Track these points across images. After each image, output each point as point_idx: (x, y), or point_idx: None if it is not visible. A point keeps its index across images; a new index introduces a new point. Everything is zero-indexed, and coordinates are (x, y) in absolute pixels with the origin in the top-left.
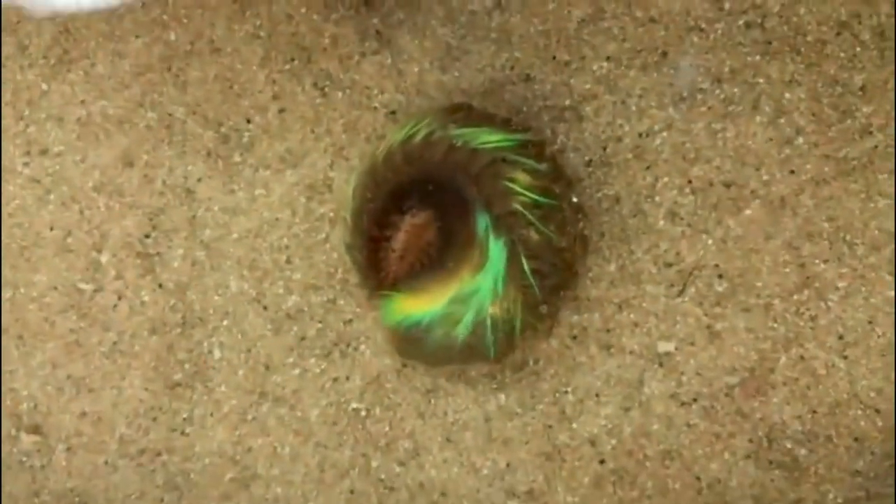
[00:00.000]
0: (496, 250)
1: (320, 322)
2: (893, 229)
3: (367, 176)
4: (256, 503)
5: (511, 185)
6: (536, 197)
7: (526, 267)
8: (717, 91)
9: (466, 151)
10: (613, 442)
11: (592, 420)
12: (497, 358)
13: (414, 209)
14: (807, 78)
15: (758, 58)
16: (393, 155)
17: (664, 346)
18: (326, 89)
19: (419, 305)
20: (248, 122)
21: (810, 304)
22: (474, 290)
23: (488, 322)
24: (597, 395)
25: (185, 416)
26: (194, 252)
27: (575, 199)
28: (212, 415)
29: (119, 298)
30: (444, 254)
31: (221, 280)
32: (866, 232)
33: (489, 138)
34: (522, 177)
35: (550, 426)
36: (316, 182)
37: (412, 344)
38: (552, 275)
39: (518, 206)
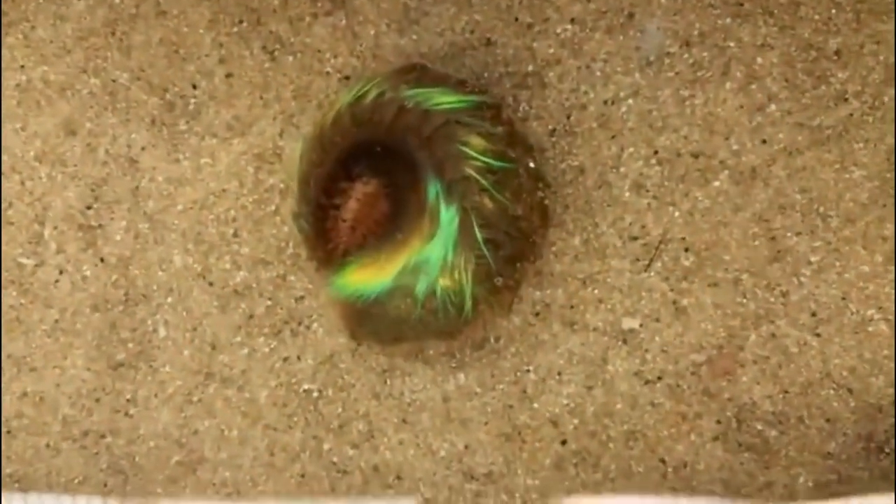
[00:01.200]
0: (447, 218)
1: (269, 299)
2: (868, 201)
3: (315, 140)
4: (204, 487)
5: (464, 148)
6: (491, 161)
7: (479, 236)
8: (686, 55)
9: (418, 113)
10: (576, 422)
11: (554, 399)
12: (451, 333)
13: (365, 176)
14: (780, 42)
15: (728, 20)
16: (341, 117)
17: (629, 323)
18: (276, 53)
19: (369, 278)
20: (195, 87)
21: (782, 279)
22: (424, 261)
23: (439, 294)
24: (559, 374)
25: (129, 396)
26: (137, 224)
27: (532, 165)
28: (156, 396)
29: (61, 273)
30: (393, 222)
31: (165, 254)
32: (840, 204)
33: (443, 99)
34: (476, 140)
35: (511, 406)
36: (265, 151)
37: (363, 320)
38: (507, 245)
39: (471, 172)
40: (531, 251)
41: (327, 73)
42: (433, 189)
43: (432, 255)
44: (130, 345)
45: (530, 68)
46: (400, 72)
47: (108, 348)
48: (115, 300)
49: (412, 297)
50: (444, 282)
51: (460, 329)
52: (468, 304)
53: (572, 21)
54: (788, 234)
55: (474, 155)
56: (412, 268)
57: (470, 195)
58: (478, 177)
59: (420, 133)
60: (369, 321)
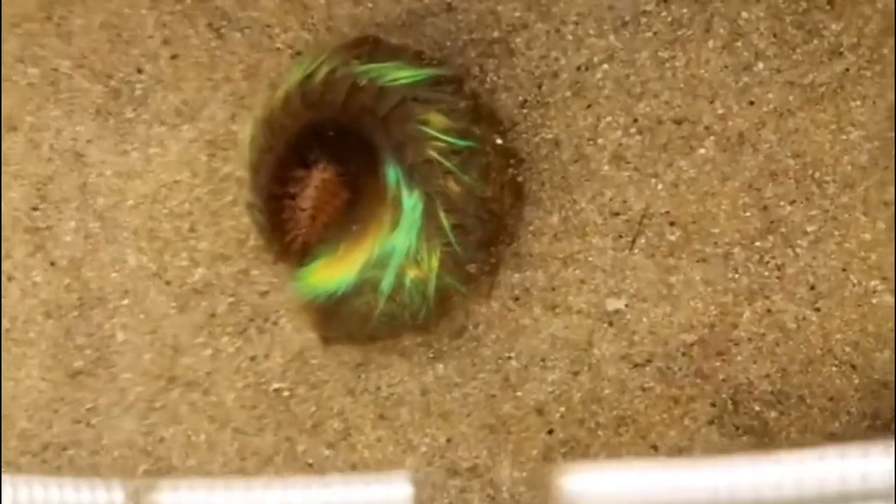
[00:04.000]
0: (410, 205)
1: (232, 296)
2: (867, 164)
3: (264, 123)
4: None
5: (424, 128)
6: (454, 140)
7: (445, 222)
8: (664, 13)
9: (373, 91)
10: (562, 410)
11: (539, 387)
12: (424, 327)
13: (321, 162)
14: None
15: None
16: (290, 98)
17: (614, 304)
18: (222, 30)
19: (333, 274)
20: (140, 72)
21: (776, 251)
22: (389, 252)
23: (408, 286)
24: (542, 360)
25: (89, 406)
26: (87, 224)
27: (500, 141)
28: (118, 403)
29: (9, 280)
30: (353, 212)
31: (118, 254)
32: (837, 168)
33: (398, 74)
34: (437, 118)
35: (493, 396)
36: (217, 137)
37: (332, 321)
38: (478, 229)
39: (433, 154)
40: (505, 233)
41: (277, 48)
42: (393, 174)
43: (397, 244)
44: (87, 351)
45: (496, 34)
46: (351, 45)
47: (65, 356)
48: (68, 305)
49: (379, 291)
50: (412, 273)
51: (434, 321)
52: (435, 294)
53: None
54: (781, 203)
55: (435, 135)
56: (377, 260)
57: (433, 179)
58: (441, 158)
59: (375, 113)
60: (338, 321)
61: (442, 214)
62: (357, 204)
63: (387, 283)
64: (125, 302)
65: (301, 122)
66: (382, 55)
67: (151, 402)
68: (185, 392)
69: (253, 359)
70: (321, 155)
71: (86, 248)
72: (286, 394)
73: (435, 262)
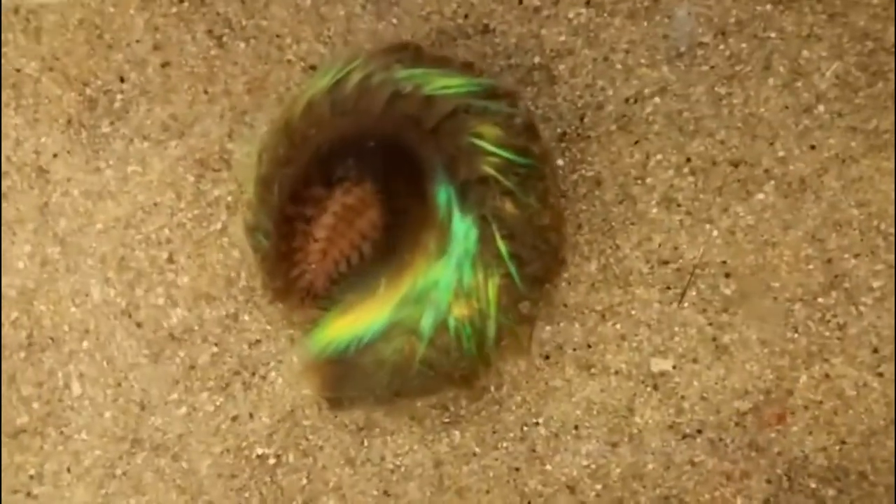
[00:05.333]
0: (462, 230)
1: (216, 344)
2: None
3: (280, 133)
4: None
5: (478, 142)
6: (512, 156)
7: (503, 249)
8: (721, 46)
9: (418, 99)
10: (598, 487)
11: (571, 459)
12: (468, 378)
13: (347, 181)
14: (829, 31)
15: (769, 6)
16: (315, 105)
17: (659, 365)
18: (224, 38)
19: (355, 322)
20: (122, 80)
21: (838, 308)
22: (431, 286)
23: (453, 327)
24: (576, 428)
25: (32, 472)
26: (45, 248)
27: (561, 162)
28: (69, 470)
29: None
30: (389, 240)
31: (80, 285)
32: None
33: (448, 82)
34: (492, 131)
35: (517, 469)
36: (209, 156)
37: (347, 380)
38: (533, 261)
39: (489, 170)
40: (558, 270)
41: (288, 61)
42: (444, 194)
43: (442, 277)
44: (35, 405)
45: (537, 60)
46: (389, 51)
47: (6, 410)
48: (14, 345)
49: (416, 333)
50: (458, 310)
51: (479, 371)
52: (492, 336)
53: (587, 4)
54: (845, 256)
55: (491, 149)
56: (416, 295)
57: (489, 200)
58: (498, 176)
59: (421, 124)
60: (356, 379)
61: (499, 240)
62: (396, 230)
63: (427, 323)
64: (85, 344)
65: (329, 132)
66: (427, 62)
67: (111, 469)
68: (151, 457)
69: (235, 419)
70: (349, 172)
71: (41, 277)
72: (272, 461)
73: (493, 296)
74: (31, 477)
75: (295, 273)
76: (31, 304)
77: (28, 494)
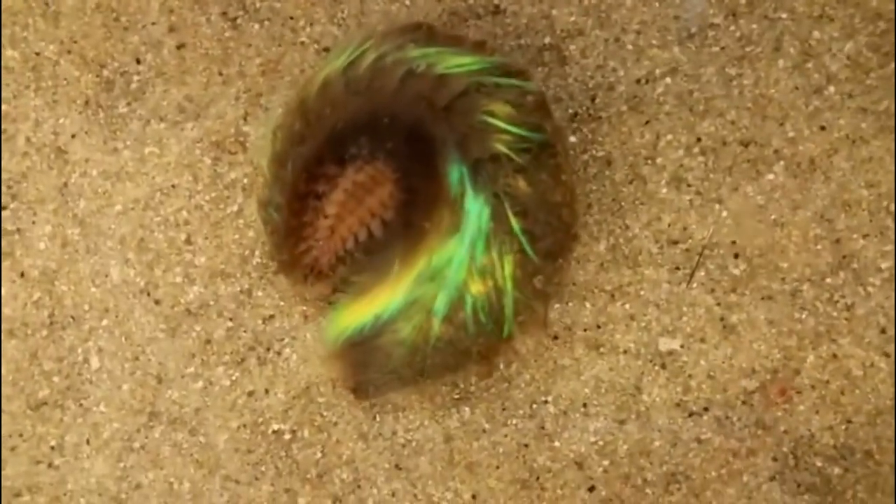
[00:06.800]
0: (475, 208)
1: (231, 320)
2: None
3: (296, 112)
4: None
5: (491, 119)
6: (524, 133)
7: (515, 226)
8: (732, 27)
9: (431, 78)
10: (605, 463)
11: (579, 436)
12: (487, 354)
13: (359, 160)
14: (840, 12)
15: None
16: (330, 85)
17: (667, 344)
18: (239, 20)
19: (370, 304)
20: (139, 62)
21: (846, 289)
22: (445, 263)
23: (469, 304)
24: (584, 406)
25: (53, 443)
26: (65, 229)
27: (574, 139)
28: (88, 442)
29: None
30: (402, 219)
31: (100, 265)
32: None
33: (460, 61)
34: (504, 109)
35: (526, 445)
36: (225, 138)
37: (369, 363)
38: (546, 237)
39: (501, 147)
40: (571, 246)
41: (302, 43)
42: (456, 172)
43: (456, 255)
44: (56, 378)
45: (547, 40)
46: (402, 30)
47: (28, 384)
48: (36, 323)
49: (433, 311)
50: (474, 287)
51: (498, 347)
52: (509, 312)
53: None
54: (854, 236)
55: (503, 126)
56: (431, 273)
57: (501, 177)
58: (510, 153)
59: (434, 102)
60: (378, 361)
61: (511, 217)
62: (410, 208)
63: (442, 300)
64: (104, 322)
65: (343, 111)
66: (440, 41)
67: (128, 442)
68: (168, 431)
69: (251, 394)
70: (362, 150)
71: (62, 258)
72: (288, 436)
73: (508, 271)
74: (52, 448)
75: (302, 248)
76: (53, 284)
77: (49, 465)
